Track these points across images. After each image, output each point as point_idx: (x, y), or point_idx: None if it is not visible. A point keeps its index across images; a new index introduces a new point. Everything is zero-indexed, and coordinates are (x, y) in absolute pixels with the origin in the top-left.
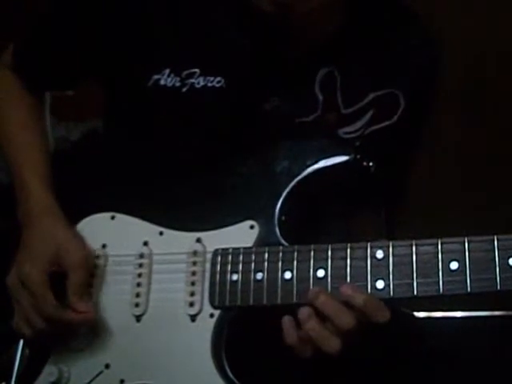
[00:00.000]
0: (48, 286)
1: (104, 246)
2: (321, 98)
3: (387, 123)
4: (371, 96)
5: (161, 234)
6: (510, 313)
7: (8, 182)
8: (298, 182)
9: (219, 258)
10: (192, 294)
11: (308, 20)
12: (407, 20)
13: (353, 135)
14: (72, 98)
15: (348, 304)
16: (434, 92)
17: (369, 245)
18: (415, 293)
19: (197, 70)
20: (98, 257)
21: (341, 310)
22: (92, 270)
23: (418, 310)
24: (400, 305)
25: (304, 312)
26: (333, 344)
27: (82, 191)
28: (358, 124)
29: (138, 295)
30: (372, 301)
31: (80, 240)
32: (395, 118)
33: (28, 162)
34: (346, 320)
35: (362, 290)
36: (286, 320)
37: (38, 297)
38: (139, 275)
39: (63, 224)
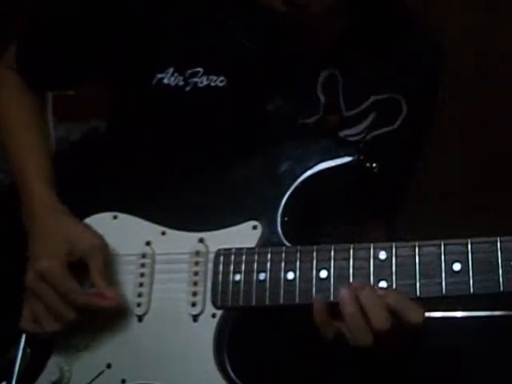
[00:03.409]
0: (70, 276)
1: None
2: (323, 99)
3: (389, 128)
4: (372, 99)
5: (163, 233)
6: (510, 313)
7: (8, 183)
8: (301, 183)
9: (222, 259)
10: (194, 294)
11: (316, 21)
12: (409, 23)
13: (354, 138)
14: (72, 98)
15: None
16: (437, 96)
17: (372, 246)
18: (418, 294)
19: (200, 69)
20: None
21: (381, 308)
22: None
23: None
24: None
25: (346, 295)
26: (366, 338)
27: (84, 191)
28: (360, 127)
29: (140, 295)
30: (403, 299)
31: (91, 229)
32: (397, 123)
33: (30, 162)
34: (383, 320)
35: (394, 290)
36: (319, 299)
37: (63, 287)
38: (141, 275)
39: (70, 218)
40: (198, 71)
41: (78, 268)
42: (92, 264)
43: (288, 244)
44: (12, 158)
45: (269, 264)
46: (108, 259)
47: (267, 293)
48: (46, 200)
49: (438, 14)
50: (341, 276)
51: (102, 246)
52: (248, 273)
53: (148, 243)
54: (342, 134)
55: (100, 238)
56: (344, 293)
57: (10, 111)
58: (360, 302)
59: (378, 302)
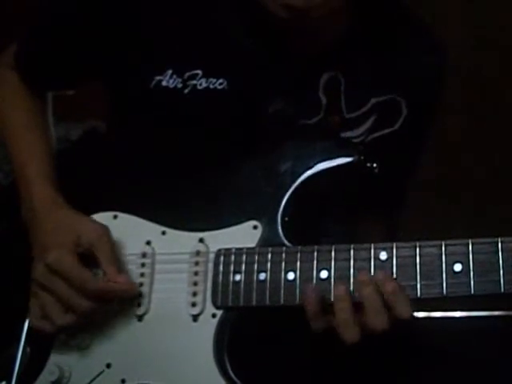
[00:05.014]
0: (81, 265)
1: None
2: (324, 101)
3: (389, 130)
4: (373, 101)
5: (163, 233)
6: (510, 313)
7: (7, 184)
8: (302, 183)
9: (222, 258)
10: (194, 294)
11: (318, 25)
12: (410, 24)
13: (355, 140)
14: (72, 97)
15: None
16: (437, 97)
17: (372, 246)
18: (418, 295)
19: (199, 72)
20: None
21: (381, 310)
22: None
23: (418, 310)
24: None
25: (341, 290)
26: (353, 336)
27: (84, 191)
28: (361, 129)
29: (140, 295)
30: (401, 292)
31: (94, 220)
32: (397, 125)
33: (32, 161)
34: (381, 322)
35: (393, 279)
36: (311, 287)
37: (75, 277)
38: (141, 275)
39: (72, 211)
40: (197, 73)
41: (87, 260)
42: (100, 253)
43: (288, 244)
44: (13, 158)
45: (269, 264)
46: (114, 247)
47: (267, 293)
48: (48, 199)
49: (438, 13)
50: (341, 276)
51: (108, 235)
52: (248, 273)
53: (148, 243)
54: (343, 135)
55: (104, 227)
56: (341, 288)
57: (10, 111)
58: (361, 298)
59: (379, 303)
